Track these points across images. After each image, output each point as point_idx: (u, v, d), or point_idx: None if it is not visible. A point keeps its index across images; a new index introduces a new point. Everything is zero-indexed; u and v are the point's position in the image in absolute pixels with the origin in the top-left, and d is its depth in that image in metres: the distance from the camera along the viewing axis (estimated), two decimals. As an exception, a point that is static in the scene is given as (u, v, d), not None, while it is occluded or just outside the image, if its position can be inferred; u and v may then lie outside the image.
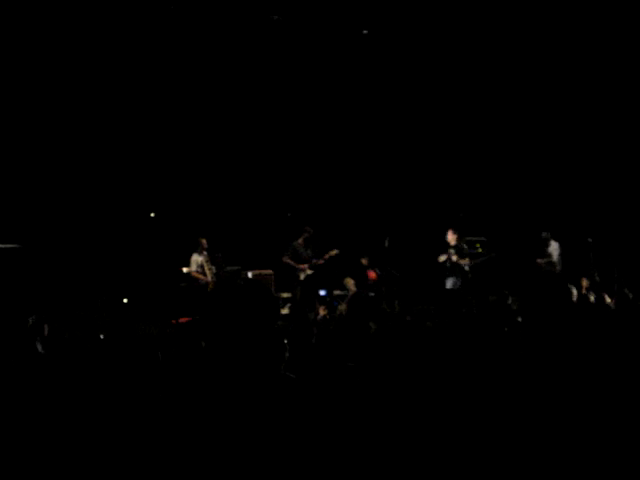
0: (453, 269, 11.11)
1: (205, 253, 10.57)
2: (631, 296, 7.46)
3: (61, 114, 11.74)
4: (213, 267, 10.47)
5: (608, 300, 6.50)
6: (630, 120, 11.98)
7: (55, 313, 7.22)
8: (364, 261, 11.84)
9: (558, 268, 11.30)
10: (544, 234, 11.46)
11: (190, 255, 10.61)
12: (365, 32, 12.27)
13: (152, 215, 12.09)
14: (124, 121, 12.26)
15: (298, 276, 10.49)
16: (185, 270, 10.72)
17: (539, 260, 11.35)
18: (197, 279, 10.46)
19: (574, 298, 6.31)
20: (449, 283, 11.24)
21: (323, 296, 10.62)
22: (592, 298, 8.45)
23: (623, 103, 11.93)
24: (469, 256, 11.24)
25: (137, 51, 11.70)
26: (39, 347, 4.95)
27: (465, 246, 11.35)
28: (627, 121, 12.03)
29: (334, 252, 10.74)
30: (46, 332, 5.28)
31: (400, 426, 2.30)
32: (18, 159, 11.39)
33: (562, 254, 11.40)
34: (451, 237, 11.14)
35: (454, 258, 10.99)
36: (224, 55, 12.26)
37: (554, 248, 11.40)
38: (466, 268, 11.64)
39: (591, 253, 10.71)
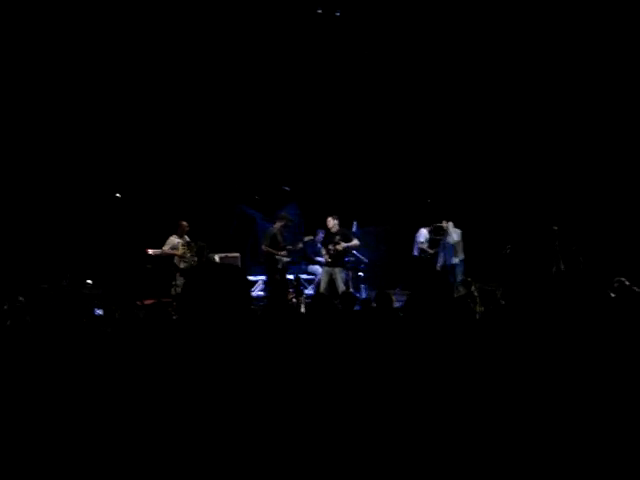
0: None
1: (185, 237, 10.33)
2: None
3: (30, 97, 11.48)
4: (189, 252, 10.21)
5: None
6: (598, 113, 12.07)
7: (18, 294, 7.07)
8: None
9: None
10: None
11: (167, 237, 10.39)
12: (338, 14, 12.20)
13: (118, 196, 11.89)
14: (94, 101, 12.05)
15: (277, 262, 10.45)
16: (152, 252, 10.53)
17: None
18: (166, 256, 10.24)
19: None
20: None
21: (290, 280, 10.62)
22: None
23: (599, 99, 11.97)
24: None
25: (118, 41, 11.53)
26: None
27: (347, 231, 10.51)
28: (596, 114, 12.12)
29: (308, 238, 10.87)
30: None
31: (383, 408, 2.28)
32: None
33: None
34: (332, 224, 10.17)
35: (340, 247, 9.96)
36: (208, 44, 12.15)
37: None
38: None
39: (557, 241, 10.77)
